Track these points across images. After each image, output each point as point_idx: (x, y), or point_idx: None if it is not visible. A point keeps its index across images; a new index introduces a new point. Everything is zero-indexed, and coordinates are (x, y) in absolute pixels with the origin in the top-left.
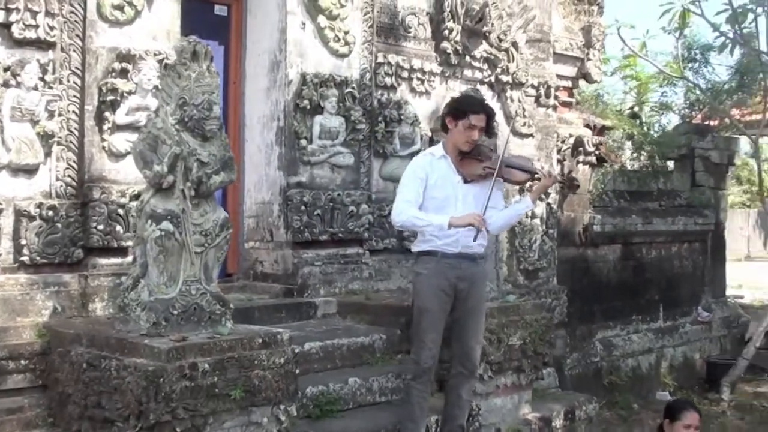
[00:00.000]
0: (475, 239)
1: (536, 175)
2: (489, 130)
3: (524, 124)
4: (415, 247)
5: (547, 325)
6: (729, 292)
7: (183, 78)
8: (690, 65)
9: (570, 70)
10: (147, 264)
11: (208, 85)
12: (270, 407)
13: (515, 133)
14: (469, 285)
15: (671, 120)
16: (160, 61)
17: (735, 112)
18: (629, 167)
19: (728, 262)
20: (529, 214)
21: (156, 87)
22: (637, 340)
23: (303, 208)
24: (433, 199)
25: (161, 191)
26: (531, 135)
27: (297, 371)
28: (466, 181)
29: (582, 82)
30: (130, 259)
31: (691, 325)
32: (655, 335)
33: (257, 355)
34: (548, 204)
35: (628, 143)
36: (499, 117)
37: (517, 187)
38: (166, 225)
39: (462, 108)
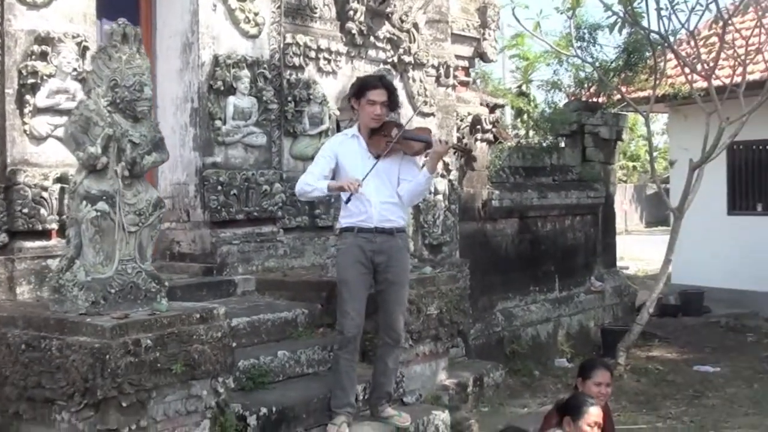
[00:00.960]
0: (347, 201)
1: (431, 144)
2: (392, 104)
3: (426, 104)
4: (338, 224)
5: (461, 294)
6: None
7: (114, 60)
8: (579, 44)
9: (467, 50)
10: (82, 244)
11: (138, 66)
12: (209, 380)
13: (416, 110)
14: (387, 258)
15: (560, 98)
16: (78, 44)
17: (622, 89)
18: (521, 144)
19: None
20: (432, 190)
21: (75, 69)
22: (535, 310)
23: (219, 188)
24: (347, 175)
25: (95, 172)
26: (432, 114)
27: (234, 344)
28: (378, 157)
29: (478, 61)
30: (54, 241)
31: (585, 295)
32: (552, 305)
33: (196, 330)
34: (450, 181)
35: (516, 120)
36: (402, 97)
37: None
38: (101, 205)
39: (360, 87)
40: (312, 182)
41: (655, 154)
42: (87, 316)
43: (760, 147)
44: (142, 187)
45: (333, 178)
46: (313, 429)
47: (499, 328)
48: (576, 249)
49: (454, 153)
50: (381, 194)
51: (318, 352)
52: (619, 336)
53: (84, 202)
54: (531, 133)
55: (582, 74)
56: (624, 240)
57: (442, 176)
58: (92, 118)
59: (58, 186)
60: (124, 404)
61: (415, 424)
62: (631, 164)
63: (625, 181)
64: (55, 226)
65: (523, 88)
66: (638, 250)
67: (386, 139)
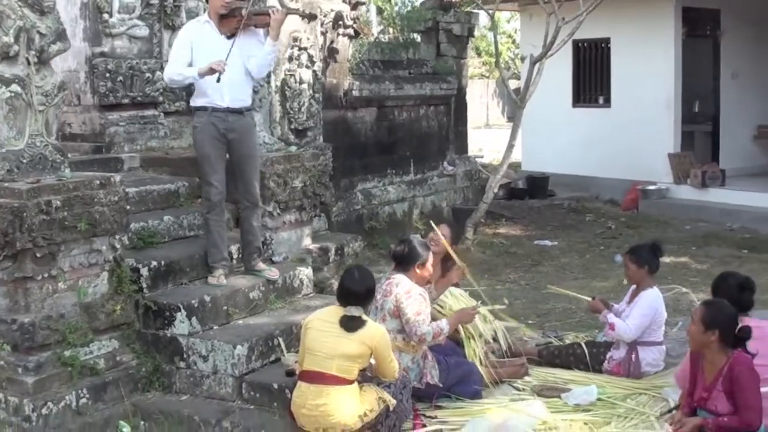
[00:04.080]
0: (218, 80)
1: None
2: None
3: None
4: (192, 103)
5: (323, 170)
6: (471, 154)
7: None
8: None
9: None
10: None
11: None
12: (107, 237)
13: (284, 7)
14: (239, 135)
15: None
16: None
17: None
18: (380, 40)
19: (470, 130)
20: (298, 80)
21: None
22: (392, 190)
23: (107, 75)
24: (201, 58)
25: (7, 59)
26: (297, 9)
27: (128, 207)
28: (229, 38)
29: None
30: None
31: (438, 178)
32: (407, 186)
33: (97, 194)
34: (314, 71)
35: (376, 17)
36: None
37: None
38: (14, 87)
39: None
40: (181, 71)
41: (517, 51)
42: (4, 182)
43: (602, 45)
44: (48, 72)
45: (191, 63)
46: (196, 281)
47: (359, 207)
48: (430, 136)
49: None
50: (232, 73)
51: (198, 218)
52: (468, 214)
53: None
54: (390, 30)
55: None
56: (484, 133)
57: (307, 67)
58: (5, 12)
59: None
60: (38, 255)
61: (283, 278)
62: (493, 60)
63: (488, 77)
64: None
65: None
66: (497, 141)
67: (236, 19)
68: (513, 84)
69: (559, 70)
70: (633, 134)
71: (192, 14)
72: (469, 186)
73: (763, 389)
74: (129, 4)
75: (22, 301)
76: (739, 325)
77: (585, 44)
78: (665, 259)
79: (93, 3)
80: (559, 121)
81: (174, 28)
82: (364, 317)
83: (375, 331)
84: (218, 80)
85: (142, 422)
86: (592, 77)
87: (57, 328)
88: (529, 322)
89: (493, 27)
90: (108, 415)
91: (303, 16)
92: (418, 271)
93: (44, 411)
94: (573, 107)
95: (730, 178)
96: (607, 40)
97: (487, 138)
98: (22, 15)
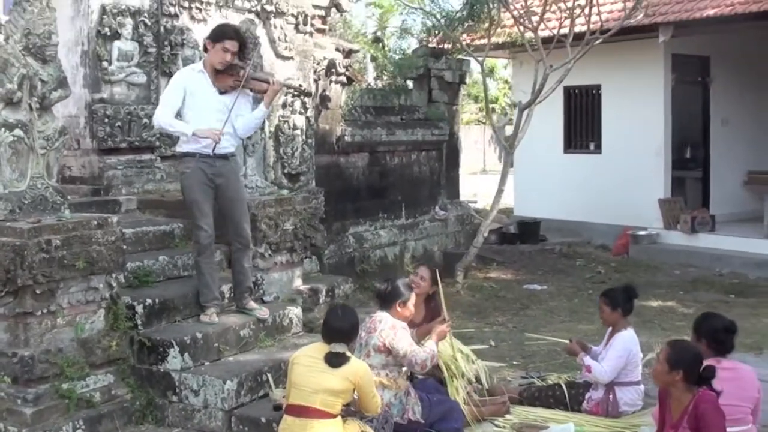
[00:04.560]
0: (212, 150)
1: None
2: (241, 54)
3: (286, 48)
4: (179, 148)
5: (314, 213)
6: (465, 200)
7: (27, 12)
8: None
9: (324, 0)
10: (0, 164)
11: (48, 18)
12: (104, 276)
13: (278, 56)
14: (225, 180)
15: (410, 44)
16: None
17: (466, 37)
18: (373, 86)
19: (465, 175)
20: (292, 125)
21: None
22: (383, 234)
23: (106, 120)
24: (192, 107)
25: (11, 105)
26: (291, 58)
27: (125, 247)
28: (221, 93)
29: (333, 11)
30: None
31: (430, 222)
32: (399, 230)
33: (94, 234)
34: (307, 118)
35: (371, 64)
36: (264, 42)
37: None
38: (17, 132)
39: (219, 34)
40: (175, 125)
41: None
42: (6, 222)
43: (593, 91)
44: (49, 117)
45: (181, 109)
46: (189, 319)
47: (351, 250)
48: (421, 181)
49: (299, 94)
50: (220, 126)
51: (192, 258)
52: (459, 259)
53: (3, 129)
54: (384, 76)
55: (429, 23)
56: (480, 179)
57: (300, 113)
58: (9, 60)
59: None
60: (38, 292)
61: (273, 317)
62: (489, 106)
63: (484, 123)
64: None
65: (378, 34)
66: (492, 187)
67: (233, 77)
68: (509, 130)
69: (551, 116)
70: (624, 180)
71: (188, 62)
72: (461, 230)
73: (731, 429)
74: (128, 53)
75: (22, 336)
76: (704, 365)
77: (576, 90)
78: (652, 303)
79: (93, 51)
80: (550, 166)
81: (170, 76)
82: (348, 354)
83: (358, 368)
84: (213, 150)
85: None
86: (583, 123)
87: (55, 361)
88: (514, 363)
89: (483, 74)
90: None
91: (299, 92)
92: (399, 309)
93: None
94: (564, 153)
95: (720, 224)
96: (597, 87)
97: (483, 183)
98: (25, 63)
